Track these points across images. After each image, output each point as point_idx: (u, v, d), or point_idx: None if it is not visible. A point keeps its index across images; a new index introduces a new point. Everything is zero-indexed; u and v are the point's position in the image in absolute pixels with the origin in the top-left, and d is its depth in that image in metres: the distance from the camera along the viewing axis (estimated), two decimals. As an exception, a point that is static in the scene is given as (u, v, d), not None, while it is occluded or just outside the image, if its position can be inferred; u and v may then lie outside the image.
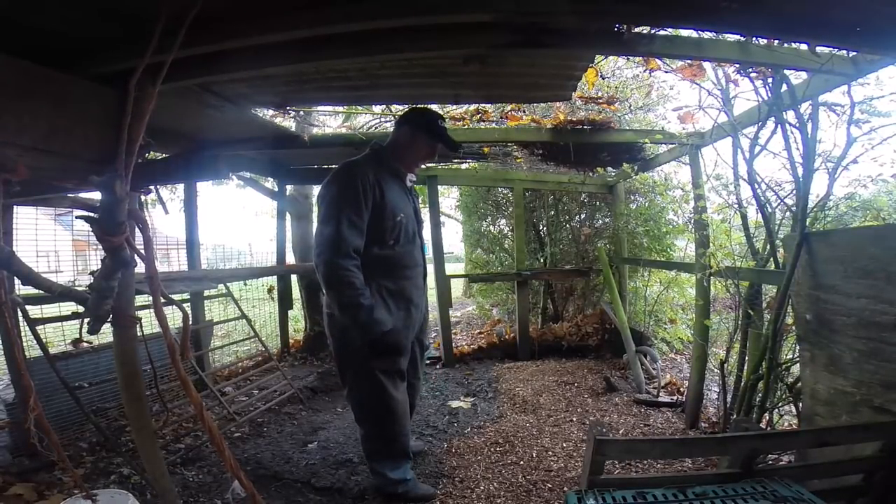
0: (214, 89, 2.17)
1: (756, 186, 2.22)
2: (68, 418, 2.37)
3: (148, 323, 1.59)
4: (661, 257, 4.24)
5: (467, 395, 3.35)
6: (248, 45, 1.50)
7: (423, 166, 2.35)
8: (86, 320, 1.28)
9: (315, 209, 1.96)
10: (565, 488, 2.02)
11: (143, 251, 1.28)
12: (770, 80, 2.05)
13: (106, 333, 1.46)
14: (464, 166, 4.75)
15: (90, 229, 1.23)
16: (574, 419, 2.81)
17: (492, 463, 2.30)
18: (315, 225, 1.85)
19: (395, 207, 1.86)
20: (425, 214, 3.76)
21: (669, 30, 1.68)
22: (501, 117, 3.71)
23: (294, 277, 4.57)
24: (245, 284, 4.31)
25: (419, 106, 2.07)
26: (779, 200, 2.20)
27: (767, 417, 2.13)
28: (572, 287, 4.98)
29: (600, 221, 5.13)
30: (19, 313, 2.10)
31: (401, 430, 1.96)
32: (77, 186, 1.62)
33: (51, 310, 2.36)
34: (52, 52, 1.39)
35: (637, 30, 1.60)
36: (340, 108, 4.55)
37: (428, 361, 4.30)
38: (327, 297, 1.84)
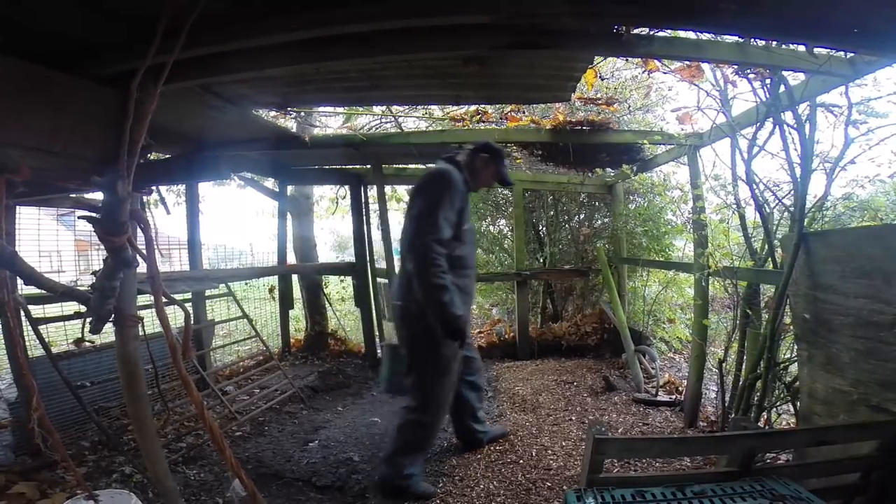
0: (216, 90, 2.18)
1: (754, 187, 2.23)
2: (70, 417, 2.38)
3: (150, 322, 1.60)
4: (659, 257, 4.25)
5: (467, 395, 3.36)
6: (250, 47, 1.50)
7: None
8: (88, 320, 1.29)
9: (408, 201, 2.24)
10: (564, 487, 2.03)
11: (144, 251, 1.28)
12: (768, 81, 2.06)
13: (108, 333, 1.47)
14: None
15: (92, 229, 1.24)
16: (573, 418, 2.82)
17: (491, 462, 2.31)
18: (413, 212, 2.03)
19: (467, 216, 2.13)
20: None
21: (668, 31, 1.69)
22: (501, 118, 3.73)
23: (295, 277, 4.58)
24: (246, 284, 4.33)
25: (492, 142, 2.36)
26: (777, 201, 2.21)
27: (765, 416, 2.14)
28: (571, 287, 4.99)
29: (599, 221, 5.14)
30: (22, 313, 2.11)
31: (441, 426, 2.20)
32: (79, 187, 1.63)
33: (53, 309, 2.37)
34: (54, 54, 1.40)
35: (636, 31, 1.61)
36: (341, 109, 4.56)
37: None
38: (416, 276, 1.96)
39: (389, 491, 2.02)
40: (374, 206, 4.82)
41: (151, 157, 2.40)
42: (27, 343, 2.16)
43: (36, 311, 2.24)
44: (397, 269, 2.43)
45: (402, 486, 2.02)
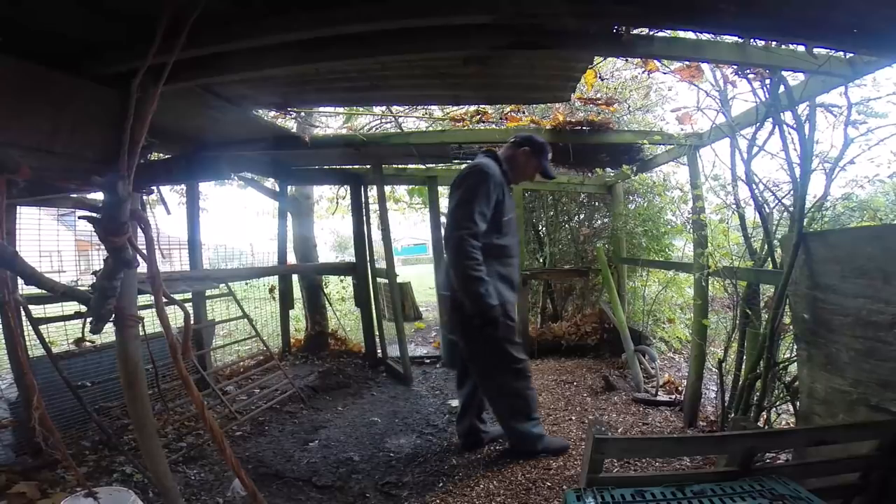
0: (216, 90, 2.18)
1: (754, 187, 2.23)
2: (71, 417, 2.38)
3: (150, 322, 1.61)
4: (659, 257, 4.25)
5: (467, 395, 3.36)
6: (250, 47, 1.51)
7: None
8: (88, 320, 1.29)
9: (449, 196, 2.30)
10: (564, 486, 2.03)
11: (145, 251, 1.29)
12: (768, 81, 2.06)
13: (108, 333, 1.47)
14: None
15: (93, 229, 1.24)
16: (573, 418, 2.82)
17: (491, 461, 2.31)
18: (449, 207, 2.18)
19: (508, 207, 2.22)
20: (425, 215, 3.77)
21: (668, 31, 1.69)
22: (501, 118, 3.73)
23: (295, 277, 4.58)
24: (246, 284, 4.33)
25: (535, 136, 2.41)
26: (776, 201, 2.20)
27: (765, 416, 2.14)
28: (571, 287, 4.99)
29: (599, 222, 5.14)
30: (23, 313, 2.11)
31: (532, 387, 2.32)
32: (80, 187, 1.63)
33: (54, 309, 2.37)
34: (54, 54, 1.40)
35: (635, 31, 1.61)
36: (341, 109, 4.56)
37: (428, 361, 4.32)
38: (451, 269, 2.10)
39: (526, 453, 2.28)
40: (374, 206, 4.83)
41: (152, 157, 2.40)
42: (28, 343, 2.16)
43: (36, 310, 2.24)
44: (437, 263, 2.49)
45: (535, 449, 2.27)
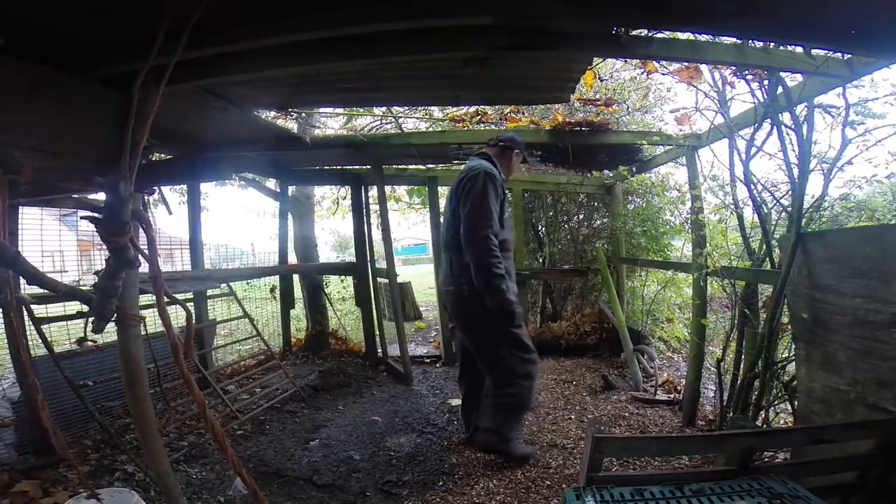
0: (217, 91, 2.19)
1: (752, 187, 2.24)
2: (73, 416, 2.39)
3: (152, 322, 1.61)
4: (658, 257, 4.26)
5: (467, 394, 3.37)
6: (251, 48, 1.51)
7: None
8: (90, 319, 1.30)
9: (453, 200, 2.39)
10: (564, 485, 2.04)
11: (146, 251, 1.29)
12: (766, 82, 2.07)
13: (110, 332, 1.48)
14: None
15: (94, 229, 1.25)
16: (572, 417, 2.83)
17: (491, 460, 2.32)
18: (465, 209, 2.21)
19: (507, 205, 2.37)
20: (425, 215, 3.77)
21: (667, 32, 1.70)
22: (501, 119, 3.74)
23: (296, 277, 4.59)
24: (248, 284, 4.34)
25: (514, 135, 2.61)
26: (775, 201, 2.22)
27: (763, 415, 2.15)
28: (571, 286, 5.00)
29: (598, 222, 5.15)
30: (25, 312, 2.12)
31: (532, 389, 2.33)
32: (82, 187, 1.64)
33: (56, 309, 2.37)
34: (56, 55, 1.41)
35: (635, 32, 1.62)
36: (341, 110, 4.56)
37: (428, 360, 4.33)
38: (474, 265, 2.15)
39: (491, 451, 2.30)
40: (374, 207, 4.84)
41: (153, 158, 2.41)
42: (30, 342, 2.17)
43: (39, 310, 2.25)
44: (442, 260, 2.52)
45: (502, 449, 2.26)
